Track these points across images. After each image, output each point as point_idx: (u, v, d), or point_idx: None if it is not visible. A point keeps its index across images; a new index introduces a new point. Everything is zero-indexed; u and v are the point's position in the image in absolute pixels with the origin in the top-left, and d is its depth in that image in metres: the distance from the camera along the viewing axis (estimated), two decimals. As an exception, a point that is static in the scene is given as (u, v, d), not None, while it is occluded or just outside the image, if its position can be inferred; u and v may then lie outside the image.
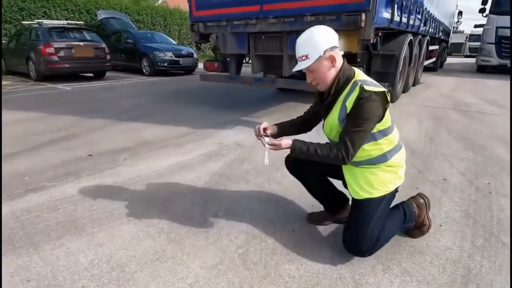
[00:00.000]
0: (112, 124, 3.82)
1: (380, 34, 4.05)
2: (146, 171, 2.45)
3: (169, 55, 8.96)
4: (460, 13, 14.04)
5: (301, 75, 4.92)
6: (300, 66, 1.37)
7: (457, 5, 11.81)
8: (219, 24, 4.09)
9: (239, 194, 2.10)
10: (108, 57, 8.18)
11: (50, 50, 7.21)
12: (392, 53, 4.41)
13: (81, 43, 7.73)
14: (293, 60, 3.85)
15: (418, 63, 6.43)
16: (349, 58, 3.38)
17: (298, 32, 1.75)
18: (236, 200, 2.01)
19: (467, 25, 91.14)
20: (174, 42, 10.87)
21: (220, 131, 3.56)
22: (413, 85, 6.70)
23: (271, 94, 6.12)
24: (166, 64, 8.93)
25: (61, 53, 7.34)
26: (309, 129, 1.66)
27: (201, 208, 1.93)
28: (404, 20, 4.41)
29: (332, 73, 1.37)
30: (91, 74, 8.66)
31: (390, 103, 1.38)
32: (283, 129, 1.58)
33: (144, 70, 9.23)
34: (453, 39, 16.89)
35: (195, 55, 9.83)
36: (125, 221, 1.77)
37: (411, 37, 5.01)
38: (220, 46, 4.40)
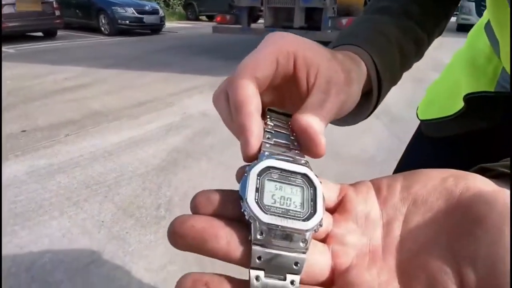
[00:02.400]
0: (56, 92, 3.29)
1: None
2: (91, 149, 2.09)
3: (130, 11, 7.95)
4: None
5: (309, 27, 4.70)
6: None
7: None
8: None
9: (200, 175, 1.83)
10: (58, 12, 7.11)
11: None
12: None
13: (23, -4, 6.60)
14: (304, 12, 4.26)
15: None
16: None
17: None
18: (196, 183, 1.75)
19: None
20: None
21: (184, 99, 3.17)
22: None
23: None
24: (127, 21, 7.96)
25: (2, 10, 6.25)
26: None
27: (153, 193, 1.65)
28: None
29: None
30: (40, 34, 7.58)
31: None
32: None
33: (102, 29, 8.20)
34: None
35: (160, 12, 8.84)
36: (56, 214, 1.47)
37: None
38: None
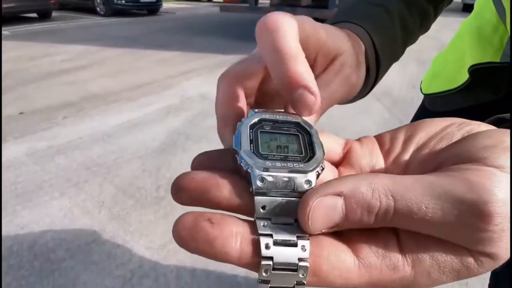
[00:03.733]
0: (53, 75, 3.25)
1: None
2: (90, 131, 2.08)
3: (126, -9, 7.73)
4: None
5: (316, 5, 4.62)
6: None
7: None
8: None
9: (199, 156, 1.82)
10: (52, -8, 6.92)
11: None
12: None
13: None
14: None
15: None
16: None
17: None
18: (195, 164, 1.74)
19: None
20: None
21: (183, 81, 3.12)
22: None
23: (247, 35, 5.50)
24: (123, 1, 7.75)
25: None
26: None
27: (153, 175, 1.65)
28: None
29: None
30: (35, 15, 7.40)
31: None
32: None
33: (98, 9, 7.99)
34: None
35: (158, -8, 8.58)
36: (56, 195, 1.48)
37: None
38: None
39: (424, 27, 0.38)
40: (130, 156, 1.82)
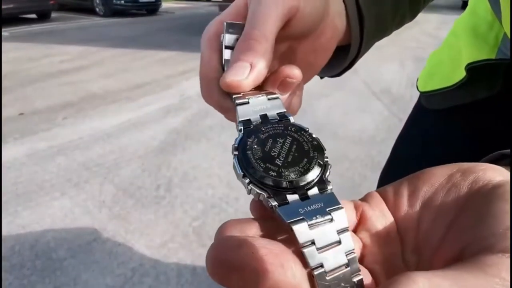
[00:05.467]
0: (52, 75, 3.25)
1: None
2: (90, 131, 2.09)
3: (125, -9, 7.72)
4: None
5: None
6: None
7: None
8: None
9: (199, 155, 1.83)
10: (51, -7, 6.92)
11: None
12: None
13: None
14: None
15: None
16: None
17: None
18: (196, 164, 1.75)
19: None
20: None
21: (182, 80, 3.13)
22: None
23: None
24: (122, 1, 7.74)
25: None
26: None
27: (153, 174, 1.66)
28: None
29: None
30: (34, 16, 7.40)
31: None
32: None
33: (97, 9, 7.99)
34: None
35: (157, -9, 8.58)
36: (57, 195, 1.48)
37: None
38: None
39: (413, 10, 0.34)
40: (130, 156, 1.83)
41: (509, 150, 0.18)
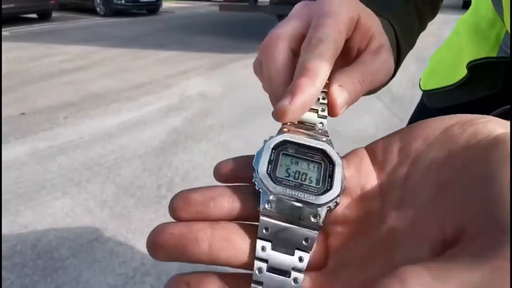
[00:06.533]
0: (53, 75, 3.26)
1: None
2: (91, 131, 2.09)
3: (125, -9, 7.73)
4: None
5: None
6: None
7: None
8: None
9: (200, 156, 1.84)
10: (52, -7, 6.92)
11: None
12: None
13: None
14: None
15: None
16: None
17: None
18: (196, 163, 1.76)
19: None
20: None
21: (182, 80, 3.13)
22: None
23: (248, 33, 5.50)
24: (123, 1, 7.75)
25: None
26: None
27: (154, 174, 1.66)
28: None
29: None
30: (34, 16, 7.41)
31: None
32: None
33: (98, 9, 8.00)
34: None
35: (157, -9, 8.58)
36: (59, 195, 1.49)
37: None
38: None
39: (433, 13, 0.36)
40: (130, 155, 1.83)
41: None
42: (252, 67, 0.22)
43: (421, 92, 0.57)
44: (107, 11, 7.90)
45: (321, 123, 0.18)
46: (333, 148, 0.16)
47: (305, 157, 0.16)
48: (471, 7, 0.52)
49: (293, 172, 0.15)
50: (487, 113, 0.50)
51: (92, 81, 3.07)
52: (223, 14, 6.83)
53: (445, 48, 0.57)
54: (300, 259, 0.14)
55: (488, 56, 0.44)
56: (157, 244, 0.14)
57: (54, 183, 1.57)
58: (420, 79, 0.58)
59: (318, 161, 0.16)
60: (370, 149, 0.17)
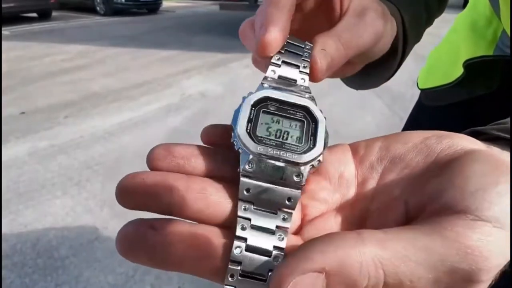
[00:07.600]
0: (54, 74, 3.26)
1: None
2: (92, 130, 2.09)
3: (125, -10, 7.72)
4: None
5: None
6: None
7: None
8: None
9: (200, 154, 1.83)
10: (52, -8, 6.91)
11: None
12: None
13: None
14: None
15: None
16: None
17: None
18: (196, 162, 1.75)
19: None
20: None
21: (183, 79, 3.13)
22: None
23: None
24: (123, 0, 7.74)
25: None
26: None
27: (154, 173, 1.66)
28: None
29: None
30: (34, 15, 7.40)
31: None
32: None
33: (98, 8, 7.99)
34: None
35: (158, -10, 8.57)
36: (59, 194, 1.49)
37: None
38: None
39: (440, 8, 0.37)
40: (131, 154, 1.83)
41: (480, 128, 0.18)
42: (239, 34, 0.20)
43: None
44: (107, 10, 7.89)
45: (302, 79, 0.18)
46: (316, 105, 0.16)
47: (287, 115, 0.15)
48: (469, 4, 0.52)
49: (274, 130, 0.15)
50: (484, 112, 0.49)
51: (93, 80, 3.07)
52: (224, 14, 6.84)
53: (442, 46, 0.57)
54: (284, 219, 0.14)
55: (484, 54, 0.43)
56: (127, 191, 0.14)
57: (55, 182, 1.57)
58: (417, 78, 0.58)
59: (301, 118, 0.16)
60: (353, 145, 0.18)
